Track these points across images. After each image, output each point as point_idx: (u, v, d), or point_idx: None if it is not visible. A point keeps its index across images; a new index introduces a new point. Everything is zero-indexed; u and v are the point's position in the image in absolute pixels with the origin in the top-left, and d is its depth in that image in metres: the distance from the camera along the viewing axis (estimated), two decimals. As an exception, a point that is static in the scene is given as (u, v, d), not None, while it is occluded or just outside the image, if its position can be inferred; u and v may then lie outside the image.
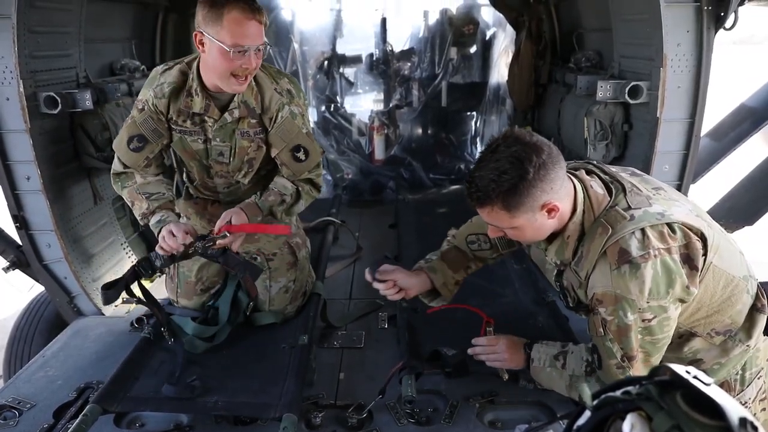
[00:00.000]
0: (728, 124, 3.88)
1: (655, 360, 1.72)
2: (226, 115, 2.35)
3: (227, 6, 2.09)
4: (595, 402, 0.93)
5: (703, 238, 1.68)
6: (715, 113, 3.56)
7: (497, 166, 1.59)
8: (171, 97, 2.33)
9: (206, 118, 2.35)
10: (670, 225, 1.65)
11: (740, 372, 1.90)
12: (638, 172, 1.91)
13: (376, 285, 2.15)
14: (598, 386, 1.21)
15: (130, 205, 2.49)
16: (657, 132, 2.81)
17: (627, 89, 2.93)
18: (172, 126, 2.39)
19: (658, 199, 1.71)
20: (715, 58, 2.74)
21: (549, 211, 1.67)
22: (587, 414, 0.94)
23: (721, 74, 4.38)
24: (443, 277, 2.16)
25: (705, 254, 1.68)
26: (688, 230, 1.66)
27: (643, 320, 1.65)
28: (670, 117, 2.80)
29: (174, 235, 2.22)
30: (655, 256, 1.60)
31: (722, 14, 2.61)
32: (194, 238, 2.25)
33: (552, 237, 1.81)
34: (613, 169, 1.87)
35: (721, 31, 2.69)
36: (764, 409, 2.00)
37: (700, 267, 1.66)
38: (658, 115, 2.79)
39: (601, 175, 1.81)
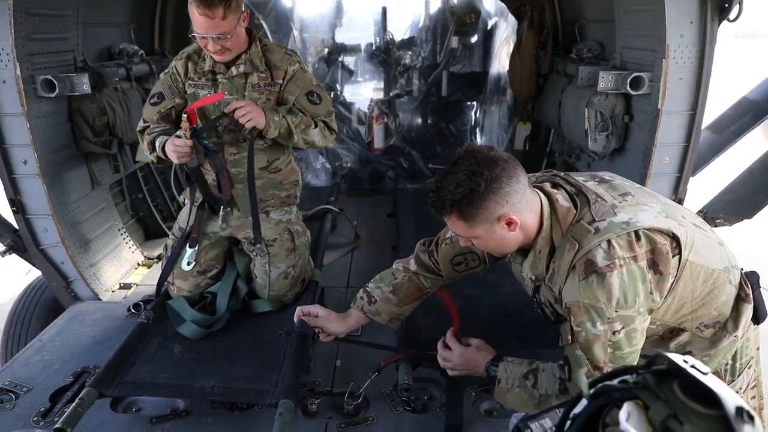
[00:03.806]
0: (729, 117, 3.86)
1: None
2: (233, 68, 2.57)
3: None
4: (591, 391, 0.93)
5: (675, 238, 1.69)
6: (716, 106, 3.55)
7: (455, 178, 1.68)
8: (188, 59, 2.63)
9: (217, 74, 2.60)
10: (636, 232, 1.67)
11: (730, 362, 1.93)
12: (607, 177, 1.91)
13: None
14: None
15: (148, 144, 2.58)
16: (658, 123, 2.80)
17: (628, 80, 2.92)
18: (189, 84, 2.62)
19: (624, 207, 1.73)
20: (717, 52, 2.72)
21: (508, 224, 1.72)
22: (584, 402, 0.94)
23: (723, 68, 4.36)
24: (388, 315, 2.21)
25: (680, 253, 1.70)
26: (655, 234, 1.68)
27: (613, 332, 1.67)
28: (671, 109, 2.79)
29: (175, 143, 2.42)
30: (620, 265, 1.64)
31: (726, 5, 2.59)
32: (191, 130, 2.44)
33: (525, 252, 1.84)
34: (580, 178, 1.88)
35: (723, 25, 2.67)
36: (754, 397, 2.03)
37: (668, 271, 1.68)
38: (659, 107, 2.78)
39: (567, 187, 1.84)
